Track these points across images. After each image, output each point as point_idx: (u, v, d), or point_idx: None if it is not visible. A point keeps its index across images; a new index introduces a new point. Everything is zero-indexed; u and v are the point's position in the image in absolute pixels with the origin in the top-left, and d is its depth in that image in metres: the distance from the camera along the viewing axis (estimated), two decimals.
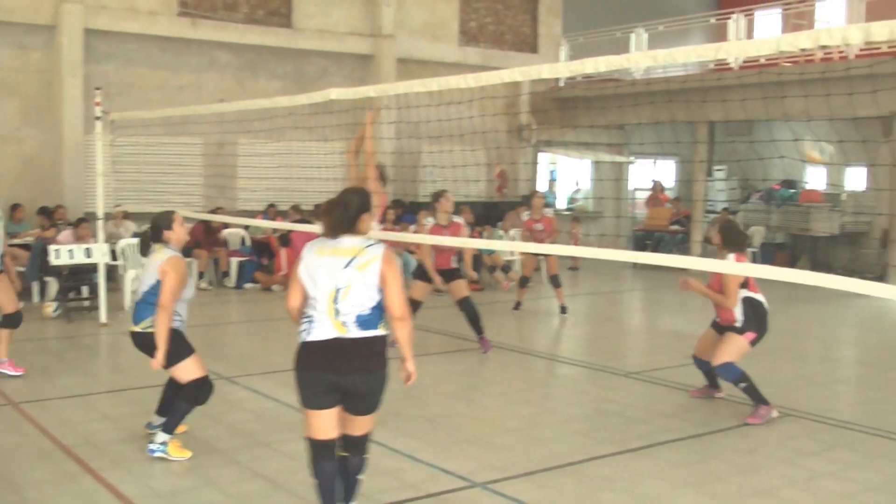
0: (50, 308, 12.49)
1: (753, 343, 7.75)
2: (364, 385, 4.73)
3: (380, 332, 4.74)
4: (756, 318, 7.72)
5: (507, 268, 16.39)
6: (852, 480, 6.13)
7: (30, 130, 15.96)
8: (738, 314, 7.71)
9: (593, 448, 6.78)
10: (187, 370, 6.31)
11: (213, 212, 15.06)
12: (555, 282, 12.89)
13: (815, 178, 20.16)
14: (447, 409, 8.02)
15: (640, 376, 9.29)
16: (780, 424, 7.50)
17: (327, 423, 4.78)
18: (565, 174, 23.41)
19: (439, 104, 8.36)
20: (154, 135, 14.26)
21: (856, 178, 19.40)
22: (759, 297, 7.74)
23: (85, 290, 13.09)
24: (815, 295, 14.77)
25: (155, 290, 6.21)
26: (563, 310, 12.92)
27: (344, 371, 4.67)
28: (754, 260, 16.81)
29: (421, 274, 10.39)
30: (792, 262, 18.00)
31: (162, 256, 6.29)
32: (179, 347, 6.31)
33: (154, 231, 6.44)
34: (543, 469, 6.30)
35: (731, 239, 7.77)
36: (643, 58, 4.79)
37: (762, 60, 16.98)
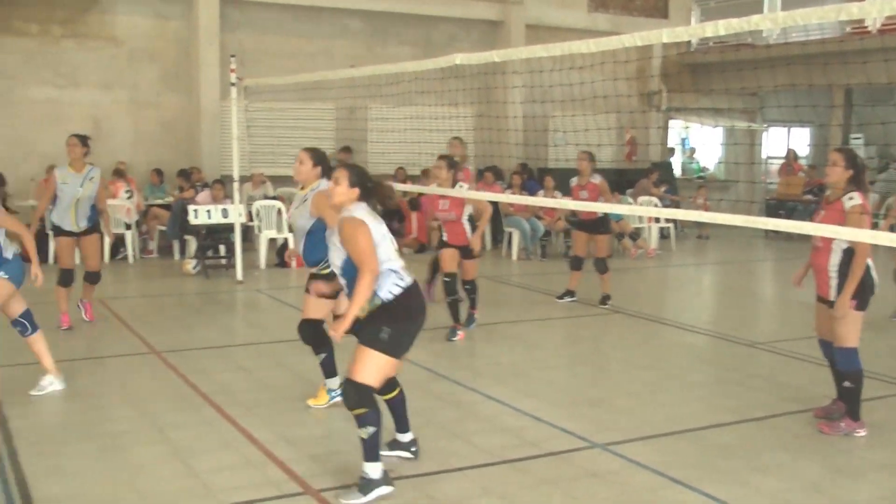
0: (189, 265, 13.05)
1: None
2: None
3: None
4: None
5: (634, 235, 16.24)
6: None
7: (169, 96, 16.67)
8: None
9: (713, 416, 6.74)
10: None
11: None
12: None
13: None
14: (570, 372, 8.10)
15: (765, 346, 9.13)
16: None
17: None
18: (696, 140, 22.93)
19: (571, 68, 8.30)
20: (287, 100, 14.69)
21: None
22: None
23: (222, 249, 13.65)
24: None
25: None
26: None
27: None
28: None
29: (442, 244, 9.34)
30: None
31: None
32: None
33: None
34: (663, 434, 6.30)
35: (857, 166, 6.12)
36: (766, 20, 4.66)
37: None
